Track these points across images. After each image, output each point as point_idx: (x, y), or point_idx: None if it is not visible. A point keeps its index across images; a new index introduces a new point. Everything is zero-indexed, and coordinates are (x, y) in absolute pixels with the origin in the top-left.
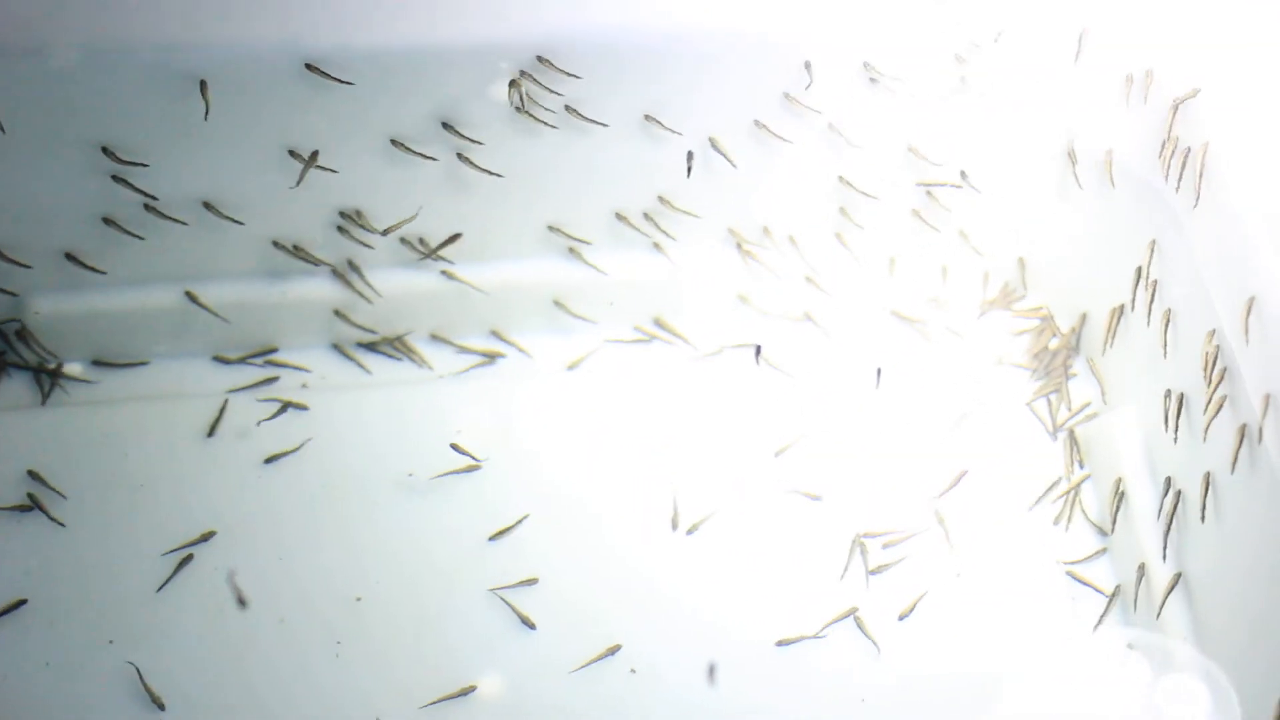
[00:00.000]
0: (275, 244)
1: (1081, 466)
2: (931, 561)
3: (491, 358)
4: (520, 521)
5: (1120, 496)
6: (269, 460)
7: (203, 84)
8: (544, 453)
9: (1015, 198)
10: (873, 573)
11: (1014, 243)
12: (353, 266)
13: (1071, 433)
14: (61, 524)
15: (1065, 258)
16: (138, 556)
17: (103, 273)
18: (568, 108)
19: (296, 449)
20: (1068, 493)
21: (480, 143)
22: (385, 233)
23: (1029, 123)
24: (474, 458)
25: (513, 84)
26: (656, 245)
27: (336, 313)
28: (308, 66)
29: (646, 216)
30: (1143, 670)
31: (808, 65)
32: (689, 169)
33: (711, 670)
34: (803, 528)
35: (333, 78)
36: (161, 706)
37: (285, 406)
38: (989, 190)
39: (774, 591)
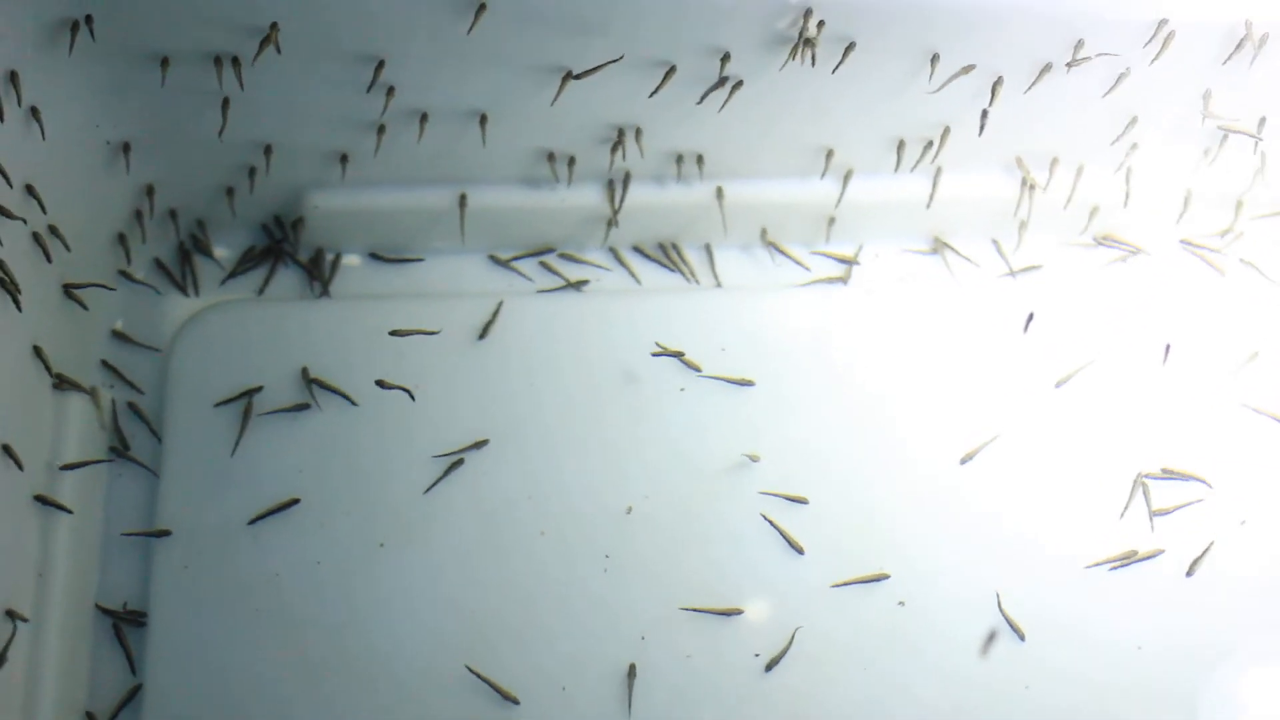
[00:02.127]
0: (550, 155)
1: None
2: (1215, 508)
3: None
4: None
5: None
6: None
7: (482, 6)
8: (816, 373)
9: None
10: (1156, 514)
11: None
12: (625, 180)
13: None
14: (354, 402)
15: None
16: (409, 457)
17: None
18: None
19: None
20: None
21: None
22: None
23: None
24: (742, 380)
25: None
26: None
27: (610, 222)
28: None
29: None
30: None
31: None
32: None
33: (991, 637)
34: (1080, 463)
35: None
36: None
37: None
38: None
39: (1050, 531)
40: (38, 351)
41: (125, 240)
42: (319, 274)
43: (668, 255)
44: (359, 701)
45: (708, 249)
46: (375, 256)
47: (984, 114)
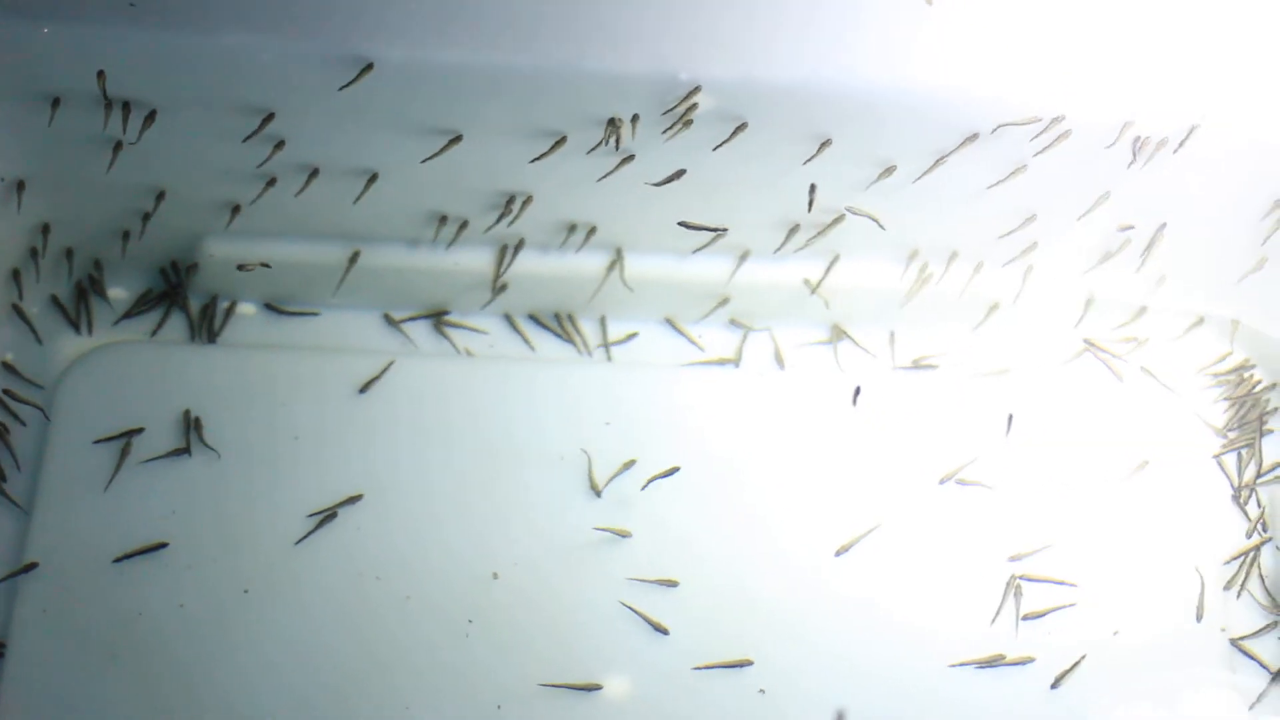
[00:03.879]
0: (442, 218)
1: (1265, 530)
2: (1089, 614)
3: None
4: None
5: None
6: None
7: (368, 66)
8: (700, 453)
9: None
10: (1026, 618)
11: (1223, 292)
12: (516, 247)
13: (1256, 493)
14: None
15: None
16: (282, 508)
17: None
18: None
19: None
20: (1243, 554)
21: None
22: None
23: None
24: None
25: (612, 123)
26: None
27: (503, 286)
28: None
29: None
30: None
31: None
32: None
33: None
34: (958, 562)
35: None
36: None
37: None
38: (1197, 240)
39: (920, 629)
40: None
41: (19, 276)
42: (207, 321)
43: (562, 325)
44: None
45: (602, 321)
46: (270, 307)
47: (812, 188)
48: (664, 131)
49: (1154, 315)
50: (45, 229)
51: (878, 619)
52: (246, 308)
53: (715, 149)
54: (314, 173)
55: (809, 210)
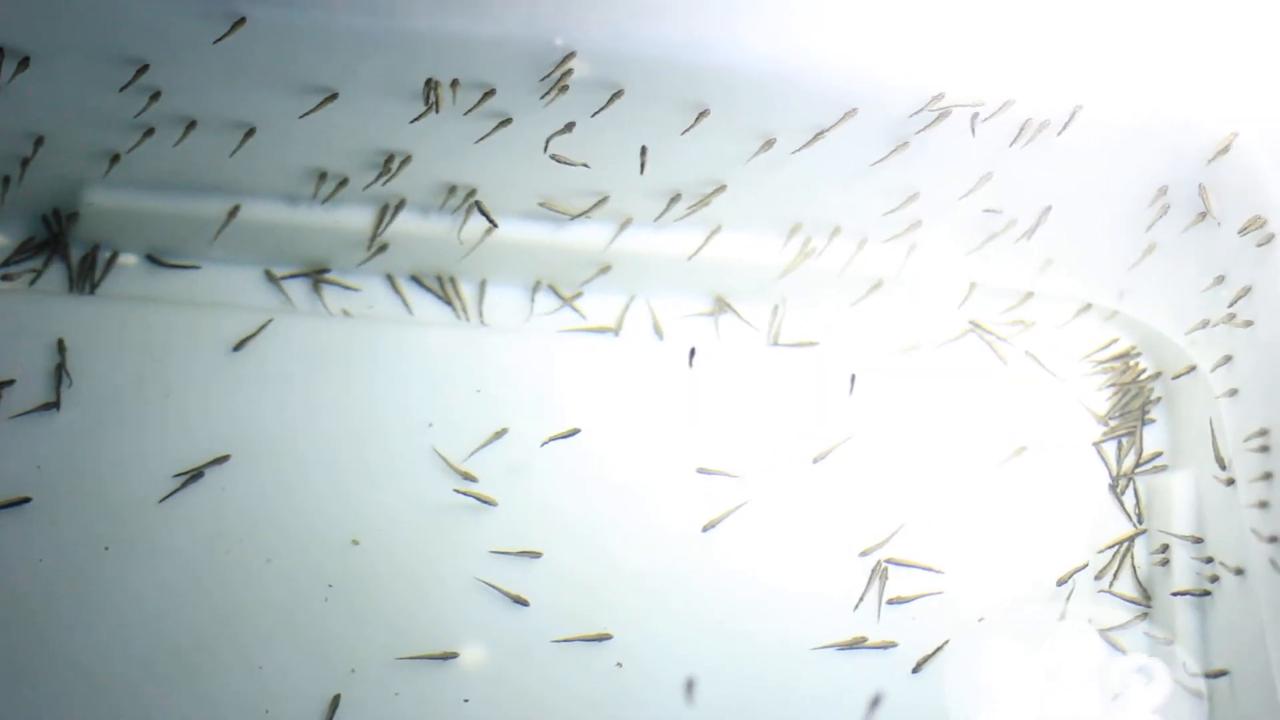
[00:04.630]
0: (321, 174)
1: (1140, 522)
2: (956, 600)
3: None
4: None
5: (1166, 563)
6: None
7: (240, 20)
8: (571, 423)
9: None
10: (890, 603)
11: (1109, 278)
12: (397, 207)
13: (1134, 483)
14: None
15: (1167, 299)
16: (149, 465)
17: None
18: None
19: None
20: (1117, 545)
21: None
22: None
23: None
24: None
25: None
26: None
27: (384, 247)
28: None
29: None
30: None
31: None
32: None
33: (690, 685)
34: (827, 543)
35: None
36: None
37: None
38: (1083, 225)
39: (785, 609)
40: None
41: None
42: (88, 271)
43: (443, 288)
44: (62, 707)
45: (482, 286)
46: (152, 259)
47: (643, 150)
48: (541, 97)
49: (1042, 300)
50: None
51: (742, 597)
52: (128, 258)
53: (593, 115)
54: (191, 124)
55: (641, 173)
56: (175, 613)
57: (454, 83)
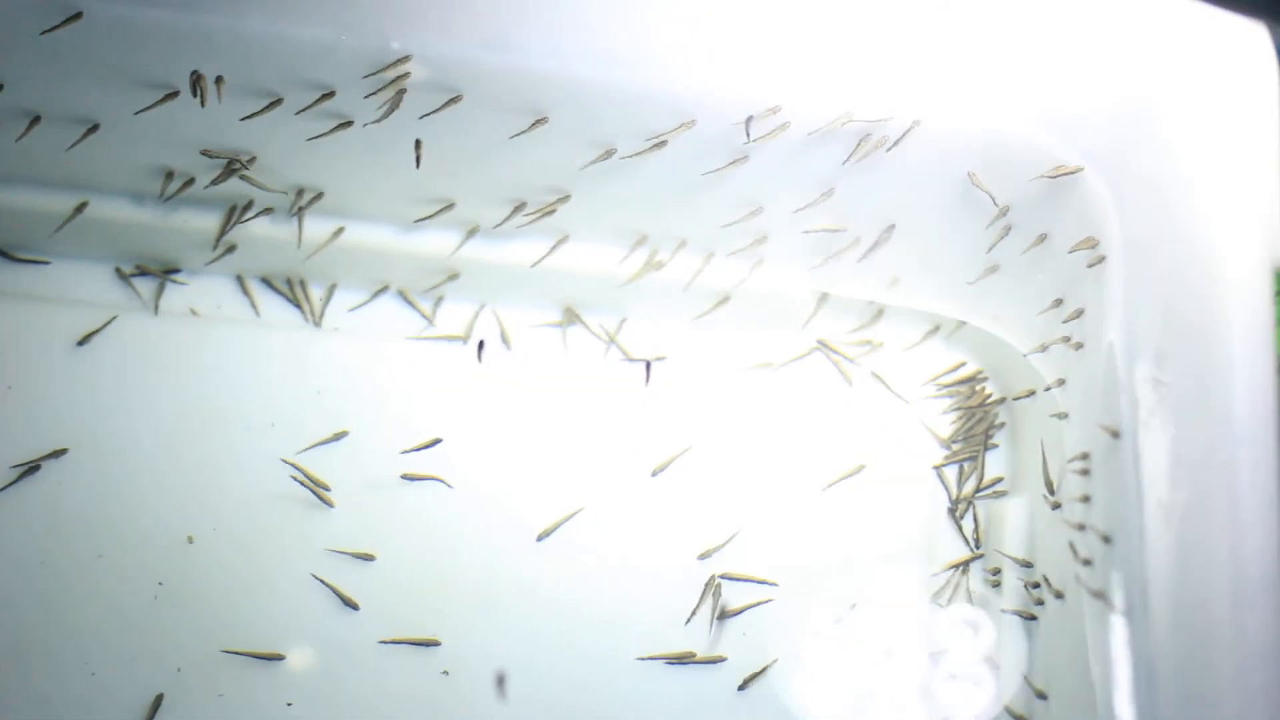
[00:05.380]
0: (169, 174)
1: (977, 546)
2: (788, 618)
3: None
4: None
5: (998, 586)
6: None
7: (76, 15)
8: (417, 428)
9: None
10: (720, 618)
11: (957, 298)
12: (245, 208)
13: (974, 507)
14: None
15: (1012, 319)
16: None
17: None
18: None
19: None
20: (953, 568)
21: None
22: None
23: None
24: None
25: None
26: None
27: (232, 247)
28: None
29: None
30: None
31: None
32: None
33: (500, 680)
34: (662, 556)
35: None
36: None
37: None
38: (926, 243)
39: (615, 620)
40: None
41: None
42: None
43: (293, 290)
44: None
45: (330, 289)
46: (1, 253)
47: (417, 144)
48: (366, 96)
49: (890, 321)
50: None
51: (573, 607)
52: None
53: (422, 117)
54: (35, 119)
55: (417, 166)
56: (5, 607)
57: (219, 79)
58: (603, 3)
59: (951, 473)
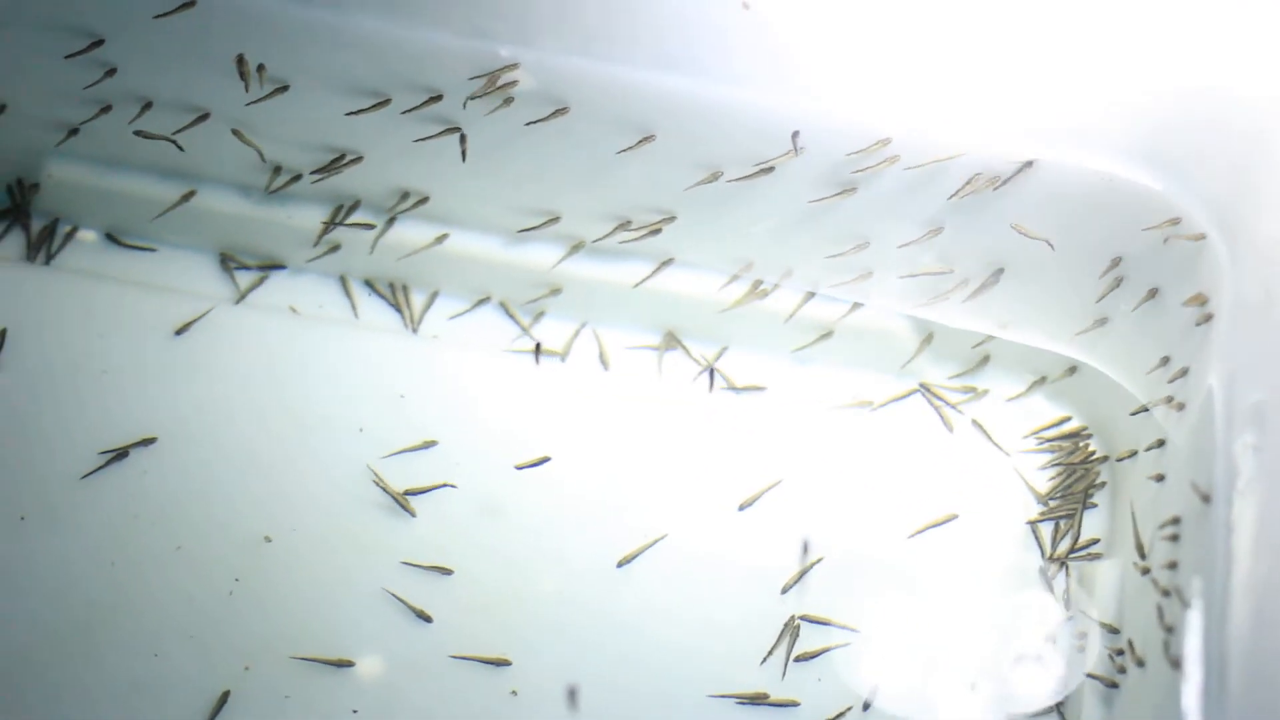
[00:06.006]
0: (276, 167)
1: (1068, 607)
2: (864, 664)
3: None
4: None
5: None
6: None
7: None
8: (505, 444)
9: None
10: (798, 659)
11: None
12: (351, 207)
13: (1067, 567)
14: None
15: (1120, 380)
16: (76, 440)
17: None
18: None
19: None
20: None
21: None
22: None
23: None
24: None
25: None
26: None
27: (335, 246)
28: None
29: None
30: None
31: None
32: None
33: (572, 694)
34: (743, 591)
35: None
36: None
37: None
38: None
39: (689, 653)
40: None
41: None
42: (44, 242)
43: (395, 295)
44: None
45: (431, 296)
46: (111, 238)
47: (462, 138)
48: (468, 98)
49: (994, 370)
50: None
51: (647, 637)
52: (87, 234)
53: (528, 125)
54: (147, 104)
55: (463, 160)
56: (80, 589)
57: (260, 66)
58: (718, 23)
59: (1046, 530)
